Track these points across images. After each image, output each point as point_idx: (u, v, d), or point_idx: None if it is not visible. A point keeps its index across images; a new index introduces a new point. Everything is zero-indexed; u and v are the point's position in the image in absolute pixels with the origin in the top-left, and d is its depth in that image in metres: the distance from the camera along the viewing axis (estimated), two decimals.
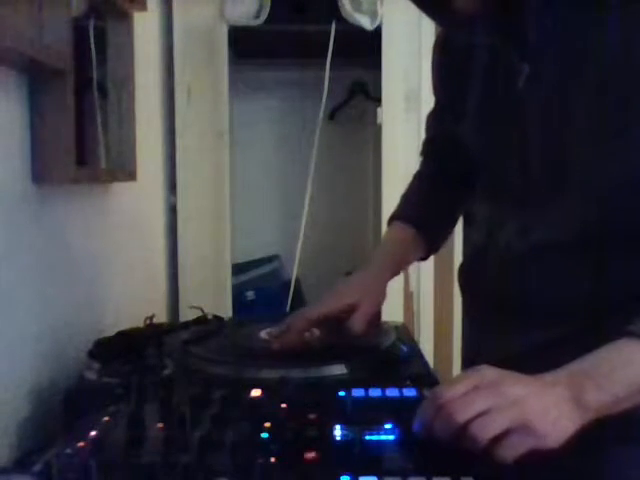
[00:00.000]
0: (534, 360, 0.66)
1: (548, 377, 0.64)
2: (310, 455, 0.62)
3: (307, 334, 0.99)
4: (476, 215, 0.94)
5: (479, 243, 0.90)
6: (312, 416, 0.69)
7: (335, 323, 0.95)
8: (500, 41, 0.77)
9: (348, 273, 2.18)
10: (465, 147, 0.89)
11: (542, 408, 0.61)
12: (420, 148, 1.11)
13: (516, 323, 0.80)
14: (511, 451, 0.60)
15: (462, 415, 0.60)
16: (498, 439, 0.60)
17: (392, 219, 1.07)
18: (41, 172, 0.94)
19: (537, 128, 0.75)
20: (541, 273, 0.77)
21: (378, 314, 1.02)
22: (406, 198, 1.10)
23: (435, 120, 1.05)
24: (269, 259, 2.26)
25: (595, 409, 0.62)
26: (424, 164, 1.11)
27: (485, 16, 0.73)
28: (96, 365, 0.90)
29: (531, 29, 0.72)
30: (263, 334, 1.03)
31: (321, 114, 1.84)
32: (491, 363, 0.66)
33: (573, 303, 0.74)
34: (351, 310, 0.94)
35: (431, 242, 1.06)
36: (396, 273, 1.07)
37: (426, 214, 1.05)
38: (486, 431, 0.60)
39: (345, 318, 0.94)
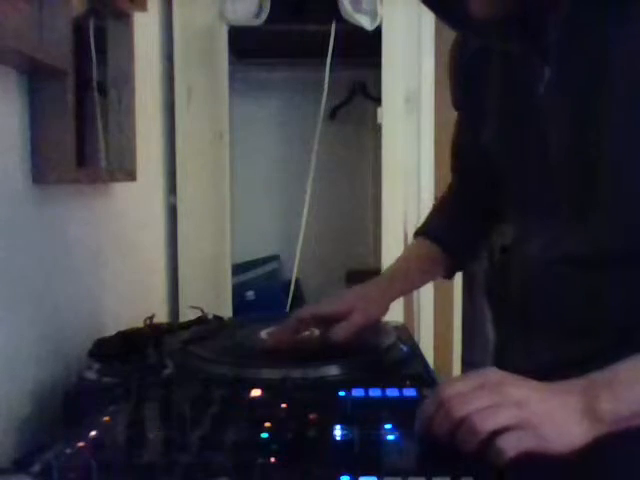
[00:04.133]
0: (558, 375, 0.64)
1: (560, 384, 0.62)
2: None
3: (307, 333, 0.99)
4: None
5: (501, 256, 0.87)
6: (312, 416, 0.69)
7: (335, 324, 0.95)
8: (519, 45, 0.74)
9: (349, 272, 2.18)
10: (487, 158, 0.85)
11: (546, 411, 0.59)
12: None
13: (541, 337, 0.76)
14: (510, 444, 0.58)
15: (462, 410, 0.59)
16: (497, 434, 0.58)
17: (417, 234, 1.04)
18: (41, 172, 0.94)
19: (560, 135, 0.71)
20: (566, 288, 0.73)
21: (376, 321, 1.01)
22: (433, 213, 1.06)
23: (458, 131, 1.00)
24: (269, 259, 2.26)
25: (610, 420, 0.59)
26: (452, 178, 1.06)
27: (502, 20, 0.69)
28: (96, 365, 0.90)
29: (552, 32, 0.69)
30: (263, 334, 1.03)
31: (321, 114, 1.84)
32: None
33: (599, 318, 0.70)
34: (344, 317, 0.94)
35: (455, 260, 1.02)
36: (408, 290, 1.04)
37: (452, 231, 1.01)
38: (486, 423, 0.58)
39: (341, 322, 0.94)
